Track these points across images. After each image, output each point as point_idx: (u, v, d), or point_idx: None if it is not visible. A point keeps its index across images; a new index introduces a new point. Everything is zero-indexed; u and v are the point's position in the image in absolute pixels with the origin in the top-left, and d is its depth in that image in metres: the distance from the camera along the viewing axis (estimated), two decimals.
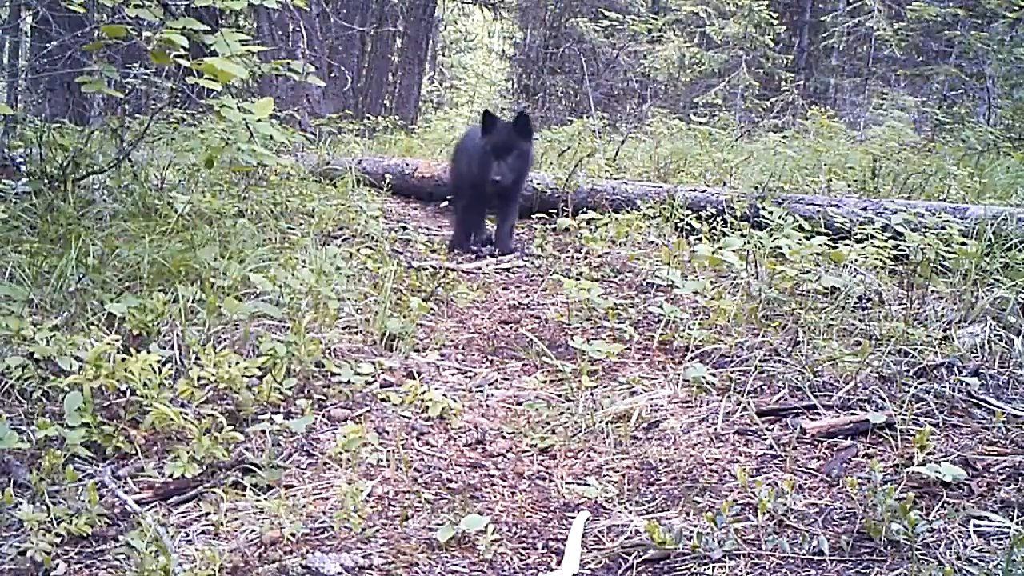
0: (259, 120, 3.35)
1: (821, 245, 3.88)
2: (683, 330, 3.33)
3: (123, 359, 2.37)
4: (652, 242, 4.82)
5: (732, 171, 6.38)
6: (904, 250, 3.89)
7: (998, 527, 1.95)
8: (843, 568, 1.87)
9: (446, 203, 6.06)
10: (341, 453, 2.35)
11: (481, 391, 2.98)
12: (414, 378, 2.96)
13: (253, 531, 2.01)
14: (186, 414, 2.34)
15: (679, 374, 2.98)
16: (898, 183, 5.77)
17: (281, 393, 2.58)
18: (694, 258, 4.02)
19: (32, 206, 3.86)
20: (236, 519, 2.06)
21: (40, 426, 2.20)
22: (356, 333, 3.26)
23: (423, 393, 2.79)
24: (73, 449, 2.22)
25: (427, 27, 14.82)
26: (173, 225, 3.76)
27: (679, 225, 4.98)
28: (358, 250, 4.05)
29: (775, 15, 13.36)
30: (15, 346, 2.59)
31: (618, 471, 2.38)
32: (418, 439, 2.59)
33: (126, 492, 2.16)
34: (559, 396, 2.89)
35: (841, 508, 2.11)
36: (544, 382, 3.05)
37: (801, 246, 3.87)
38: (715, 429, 2.61)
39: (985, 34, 10.51)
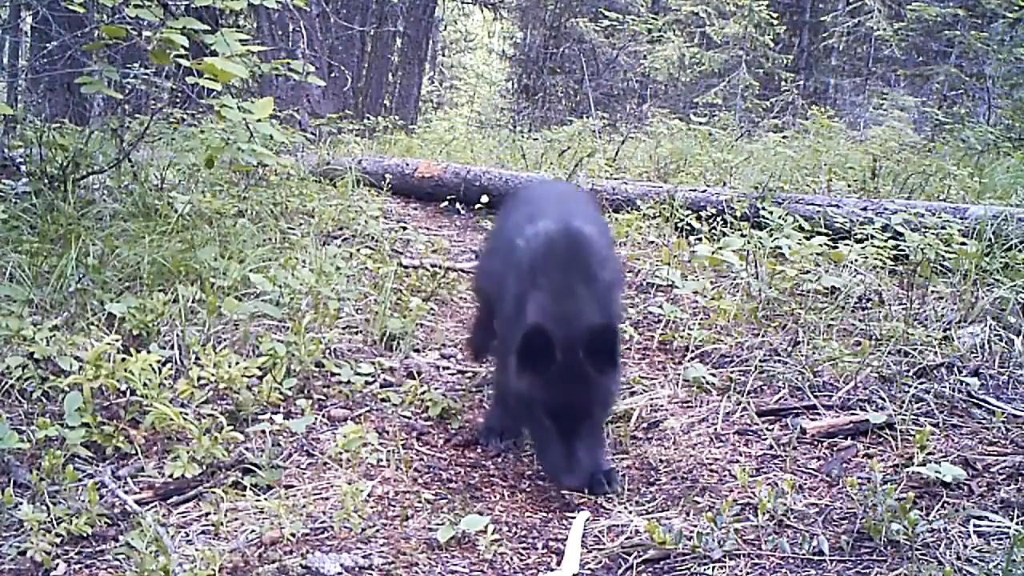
0: (259, 120, 3.35)
1: (821, 245, 3.88)
2: (683, 330, 3.34)
3: (123, 359, 2.37)
4: (652, 242, 4.82)
5: (732, 171, 6.38)
6: (904, 250, 3.89)
7: (998, 527, 1.95)
8: (843, 568, 1.87)
9: (446, 203, 6.06)
10: (341, 453, 2.35)
11: (481, 391, 2.98)
12: (414, 378, 2.96)
13: (253, 531, 2.01)
14: (186, 414, 2.34)
15: (679, 374, 2.98)
16: (898, 183, 5.77)
17: (281, 393, 2.58)
18: (694, 258, 4.02)
19: (32, 206, 3.86)
20: (236, 519, 2.06)
21: (40, 426, 2.20)
22: (356, 333, 3.26)
23: (423, 393, 2.79)
24: (73, 449, 2.22)
25: (427, 27, 14.82)
26: (173, 225, 3.76)
27: (679, 225, 4.97)
28: (358, 250, 4.05)
29: (775, 15, 13.36)
30: (15, 346, 2.59)
31: (618, 471, 2.38)
32: (418, 439, 2.59)
33: (126, 492, 2.16)
34: None
35: (841, 508, 2.11)
36: None
37: (801, 246, 3.87)
38: (715, 429, 2.61)
39: (985, 34, 10.52)
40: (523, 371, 2.21)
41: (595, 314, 2.24)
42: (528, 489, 2.32)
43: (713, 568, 1.89)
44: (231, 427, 2.30)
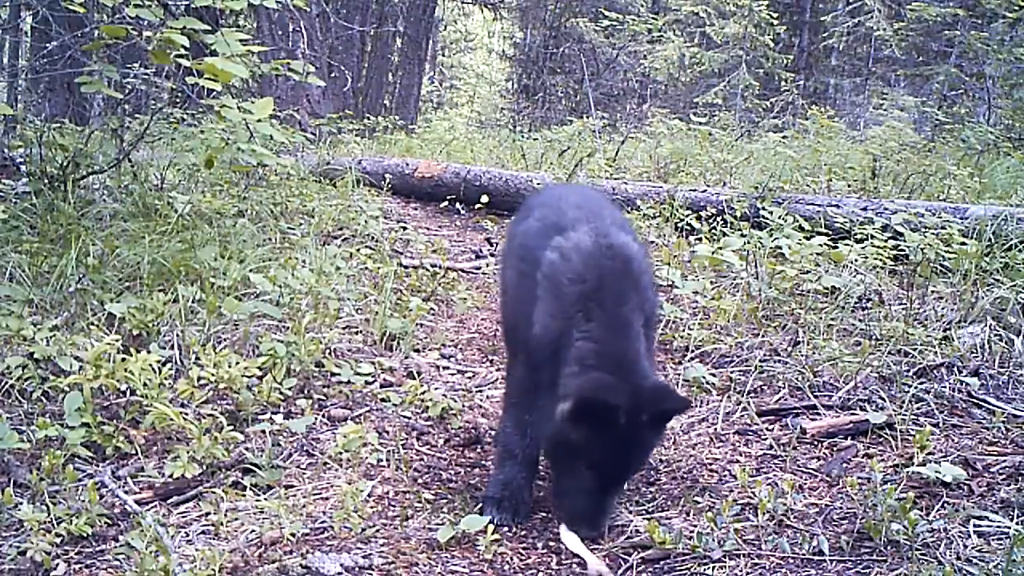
0: (259, 120, 3.35)
1: (821, 245, 3.87)
2: (683, 330, 3.33)
3: (123, 359, 2.37)
4: (652, 242, 4.82)
5: (732, 171, 6.38)
6: (904, 250, 3.89)
7: (998, 527, 1.95)
8: (843, 568, 1.87)
9: (446, 203, 6.06)
10: (341, 453, 2.35)
11: (481, 391, 2.98)
12: (414, 378, 2.96)
13: (253, 531, 2.01)
14: (186, 414, 2.34)
15: (679, 374, 2.98)
16: (898, 183, 5.77)
17: (281, 393, 2.58)
18: (694, 258, 4.02)
19: (32, 206, 3.86)
20: (236, 519, 2.06)
21: (40, 426, 2.20)
22: (356, 333, 3.26)
23: (423, 393, 2.79)
24: (73, 449, 2.22)
25: (427, 27, 14.82)
26: (173, 225, 3.76)
27: (679, 225, 4.97)
28: (358, 250, 4.05)
29: (775, 15, 13.37)
30: (15, 346, 2.59)
31: None
32: (418, 439, 2.59)
33: (126, 492, 2.16)
34: None
35: (841, 508, 2.11)
36: None
37: (801, 246, 3.87)
38: (715, 429, 2.61)
39: (985, 34, 10.52)
40: (579, 427, 1.96)
41: (648, 360, 2.03)
42: None
43: (713, 568, 1.89)
44: (231, 427, 2.30)
